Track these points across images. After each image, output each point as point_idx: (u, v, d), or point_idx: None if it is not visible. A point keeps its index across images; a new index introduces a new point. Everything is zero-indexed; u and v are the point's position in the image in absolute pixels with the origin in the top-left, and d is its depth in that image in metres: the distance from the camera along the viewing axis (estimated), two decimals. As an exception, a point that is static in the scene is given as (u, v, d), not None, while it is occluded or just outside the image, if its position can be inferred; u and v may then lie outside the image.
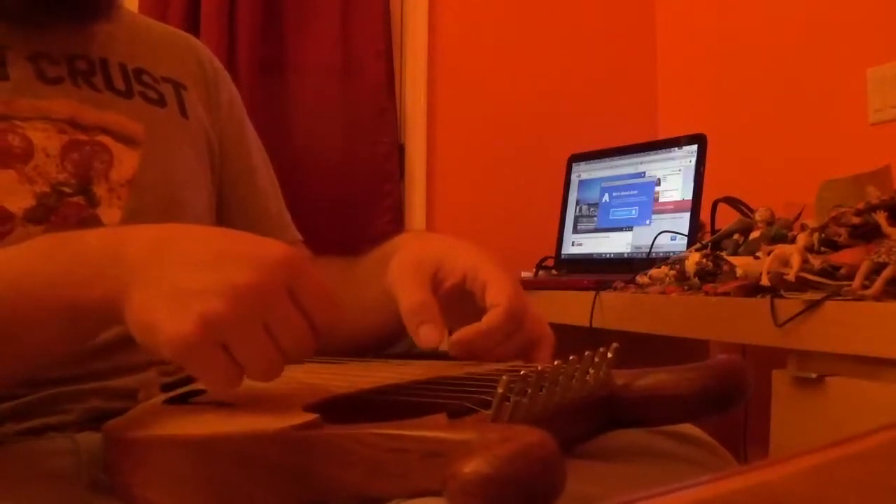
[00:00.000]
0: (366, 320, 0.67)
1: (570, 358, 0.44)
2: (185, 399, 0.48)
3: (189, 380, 0.54)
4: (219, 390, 0.44)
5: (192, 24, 1.65)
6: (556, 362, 0.43)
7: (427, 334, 0.56)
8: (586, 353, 0.46)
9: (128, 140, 0.69)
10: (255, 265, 0.42)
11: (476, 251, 0.60)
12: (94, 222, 0.64)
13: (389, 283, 0.59)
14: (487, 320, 0.56)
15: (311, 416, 0.39)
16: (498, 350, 0.56)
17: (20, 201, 0.61)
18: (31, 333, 0.47)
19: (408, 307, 0.57)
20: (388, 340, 0.69)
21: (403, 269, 0.59)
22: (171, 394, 0.50)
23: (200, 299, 0.41)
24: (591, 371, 0.46)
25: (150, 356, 0.43)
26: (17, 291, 0.46)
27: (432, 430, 0.36)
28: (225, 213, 0.81)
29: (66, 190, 0.64)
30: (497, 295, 0.56)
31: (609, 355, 0.47)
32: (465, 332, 0.56)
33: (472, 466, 0.30)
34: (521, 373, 0.39)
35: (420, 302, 0.57)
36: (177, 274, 0.43)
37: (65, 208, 0.63)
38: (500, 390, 0.37)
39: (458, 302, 0.59)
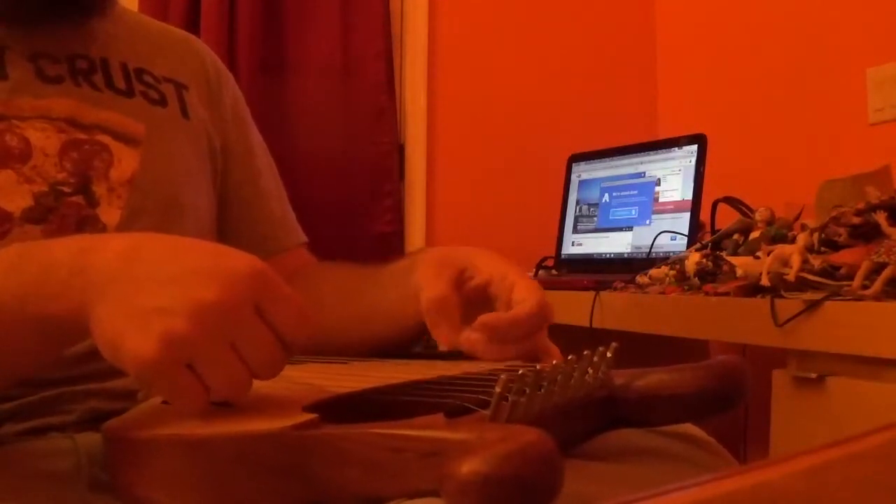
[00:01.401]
0: (387, 324, 0.67)
1: (569, 357, 0.44)
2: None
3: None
4: (184, 408, 0.43)
5: (192, 24, 1.65)
6: (554, 362, 0.43)
7: (445, 334, 0.56)
8: (585, 352, 0.45)
9: (128, 139, 0.69)
10: (221, 281, 0.41)
11: (501, 258, 0.61)
12: (94, 222, 0.64)
13: (415, 279, 0.60)
14: (517, 310, 0.56)
15: (309, 416, 0.39)
16: (511, 348, 0.56)
17: (18, 201, 0.61)
18: (1, 345, 0.46)
19: (429, 301, 0.57)
20: (410, 341, 0.69)
21: (430, 266, 0.60)
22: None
23: (163, 318, 0.40)
24: (590, 371, 0.46)
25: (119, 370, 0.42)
26: None
27: (430, 429, 0.36)
28: (228, 215, 0.81)
29: (66, 189, 0.64)
30: (526, 293, 0.57)
31: (608, 355, 0.47)
32: (493, 316, 0.56)
33: (469, 466, 0.30)
34: (520, 372, 0.38)
35: (441, 297, 0.57)
36: (140, 291, 0.42)
37: (64, 208, 0.63)
38: (498, 390, 0.37)
39: (479, 304, 0.59)
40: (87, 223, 0.64)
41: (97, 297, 0.43)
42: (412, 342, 0.68)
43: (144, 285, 0.42)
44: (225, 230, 0.81)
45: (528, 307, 0.56)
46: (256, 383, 0.44)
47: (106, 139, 0.67)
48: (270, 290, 0.43)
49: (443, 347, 0.57)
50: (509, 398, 0.38)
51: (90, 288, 0.43)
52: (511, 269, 0.59)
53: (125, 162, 0.67)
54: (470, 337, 0.56)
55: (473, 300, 0.59)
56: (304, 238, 0.88)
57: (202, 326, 0.40)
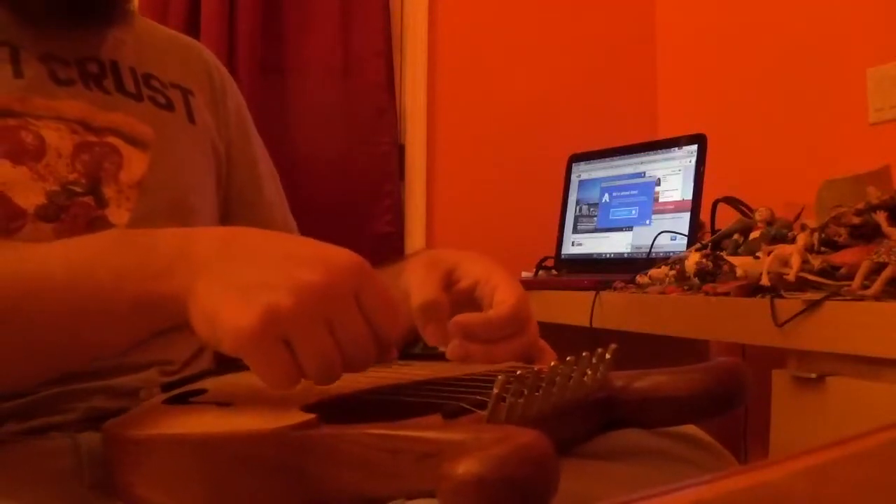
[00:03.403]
0: None
1: (568, 359, 0.44)
2: (184, 399, 0.48)
3: (189, 379, 0.54)
4: (275, 388, 0.43)
5: (192, 25, 1.65)
6: (552, 363, 0.42)
7: (435, 333, 0.56)
8: (584, 353, 0.45)
9: (137, 142, 0.69)
10: (325, 266, 0.42)
11: (489, 261, 0.62)
12: (103, 223, 0.65)
13: (404, 283, 0.60)
14: (493, 312, 0.56)
15: (308, 417, 0.39)
16: (496, 349, 0.56)
17: (32, 198, 0.62)
18: (93, 324, 0.47)
19: (420, 303, 0.57)
20: (403, 343, 0.69)
21: (418, 269, 0.60)
22: (171, 393, 0.50)
23: (267, 292, 0.40)
24: (589, 372, 0.45)
25: (207, 346, 0.43)
26: (87, 279, 0.46)
27: (427, 430, 0.36)
28: (230, 220, 0.81)
29: (77, 189, 0.64)
30: (505, 294, 0.57)
31: (607, 356, 0.47)
32: (468, 316, 0.56)
33: (464, 467, 0.30)
34: (518, 373, 0.38)
35: (432, 299, 0.57)
36: (244, 268, 0.43)
37: (74, 208, 0.63)
38: (495, 391, 0.37)
39: (467, 307, 0.59)
40: (96, 224, 0.64)
41: (200, 277, 0.44)
42: (405, 344, 0.68)
43: (247, 264, 0.43)
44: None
45: (502, 309, 0.56)
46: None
47: (116, 142, 0.68)
48: (370, 284, 0.44)
49: (435, 344, 0.56)
50: (507, 399, 0.38)
51: (193, 270, 0.44)
52: (495, 271, 0.60)
53: (134, 164, 0.68)
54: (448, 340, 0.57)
55: (462, 303, 0.59)
56: None
57: (305, 304, 0.41)
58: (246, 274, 0.42)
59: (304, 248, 0.45)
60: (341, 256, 0.44)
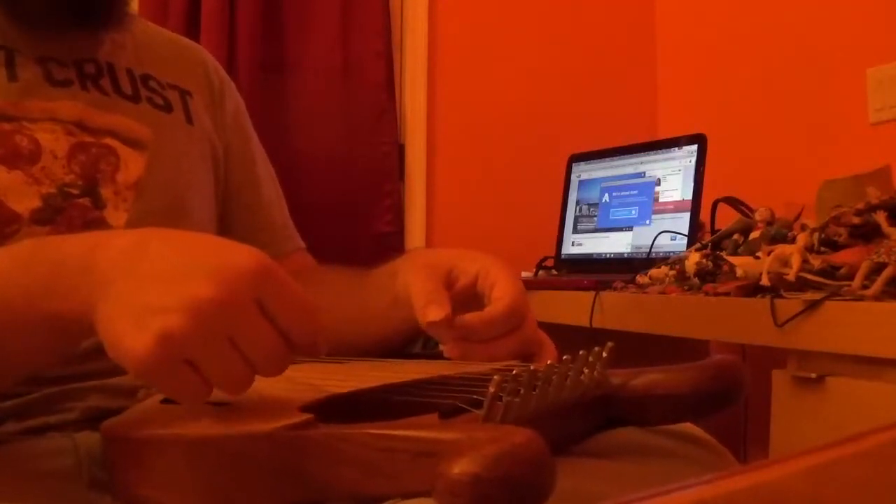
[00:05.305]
0: (377, 328, 0.67)
1: (564, 357, 0.44)
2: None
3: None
4: (188, 403, 0.43)
5: (192, 24, 1.65)
6: (549, 362, 0.42)
7: (432, 310, 0.56)
8: (580, 352, 0.45)
9: (135, 143, 0.69)
10: (221, 277, 0.40)
11: (488, 256, 0.62)
12: (100, 224, 0.65)
13: (402, 283, 0.60)
14: (489, 310, 0.57)
15: (305, 416, 0.39)
16: (495, 346, 0.56)
17: (27, 202, 0.61)
18: (11, 342, 0.47)
19: (417, 292, 0.57)
20: (399, 347, 0.69)
21: (417, 268, 0.60)
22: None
23: (160, 316, 0.39)
24: (586, 370, 0.45)
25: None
26: (1, 298, 0.45)
27: (423, 430, 0.36)
28: (229, 221, 0.81)
29: (73, 191, 0.64)
30: (502, 290, 0.58)
31: (604, 355, 0.47)
32: (466, 316, 0.56)
33: (459, 466, 0.30)
34: (514, 372, 0.38)
35: (430, 288, 0.57)
36: (141, 288, 0.41)
37: (71, 210, 0.63)
38: (492, 390, 0.37)
39: (468, 304, 0.59)
40: (93, 225, 0.64)
41: (102, 295, 0.43)
42: (403, 345, 0.68)
43: (145, 283, 0.42)
44: (226, 236, 0.81)
45: (501, 305, 0.56)
46: (257, 384, 0.44)
47: (113, 143, 0.68)
48: (273, 286, 0.42)
49: (433, 318, 0.56)
50: (503, 398, 0.38)
51: (96, 287, 0.43)
52: (493, 266, 0.60)
53: (131, 165, 0.68)
54: (448, 337, 0.57)
55: (463, 301, 0.59)
56: (302, 244, 0.88)
57: (199, 323, 0.39)
58: (143, 294, 0.41)
59: (205, 256, 0.42)
60: (238, 264, 0.42)
